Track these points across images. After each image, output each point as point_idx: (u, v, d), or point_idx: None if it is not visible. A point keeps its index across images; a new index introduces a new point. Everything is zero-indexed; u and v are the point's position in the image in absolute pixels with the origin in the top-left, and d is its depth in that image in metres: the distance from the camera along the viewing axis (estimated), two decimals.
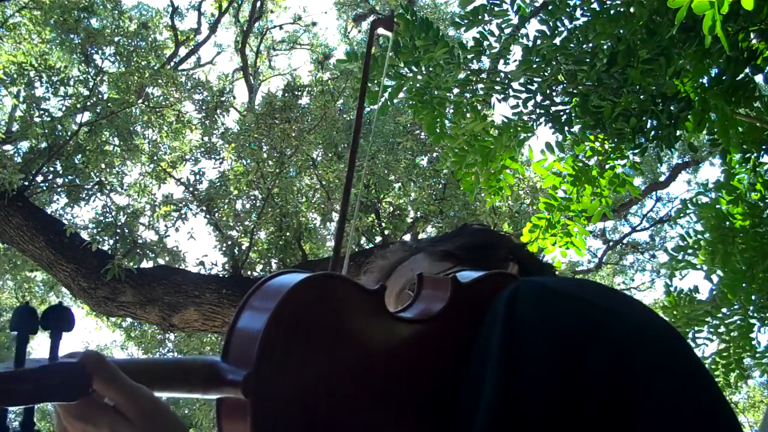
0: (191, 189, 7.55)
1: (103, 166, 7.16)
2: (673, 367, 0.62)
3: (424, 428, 0.73)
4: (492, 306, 0.70)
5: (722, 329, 3.65)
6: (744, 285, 3.42)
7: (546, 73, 3.20)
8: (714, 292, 3.77)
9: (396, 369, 0.71)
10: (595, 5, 3.16)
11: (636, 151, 3.23)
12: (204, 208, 7.27)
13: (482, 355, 0.66)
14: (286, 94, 7.53)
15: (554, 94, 3.27)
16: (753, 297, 3.53)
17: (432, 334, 0.75)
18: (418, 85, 3.27)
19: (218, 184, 7.48)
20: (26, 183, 6.56)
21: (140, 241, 6.89)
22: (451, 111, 3.44)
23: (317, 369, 0.65)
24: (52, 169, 7.12)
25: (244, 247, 7.16)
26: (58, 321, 0.59)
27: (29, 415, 0.59)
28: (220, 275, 6.92)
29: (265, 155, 7.44)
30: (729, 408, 0.63)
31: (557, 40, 3.17)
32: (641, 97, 2.95)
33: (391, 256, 1.06)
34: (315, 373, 0.65)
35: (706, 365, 3.74)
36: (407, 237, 8.63)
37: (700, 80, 3.05)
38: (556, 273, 1.08)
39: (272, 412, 0.61)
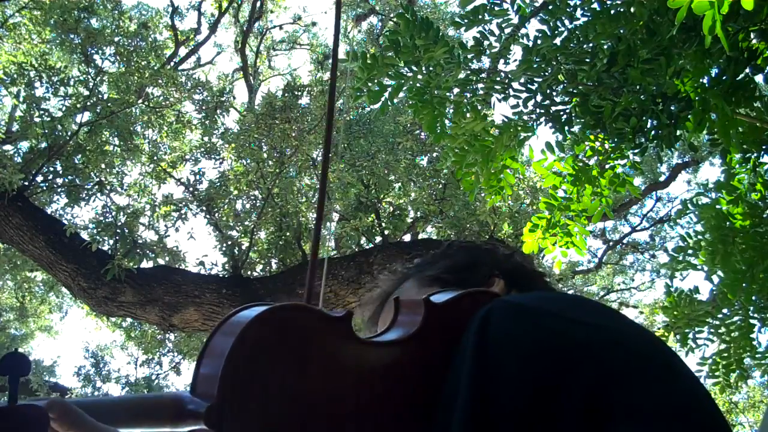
0: (191, 189, 7.54)
1: (103, 166, 7.16)
2: (656, 386, 0.60)
3: None
4: (467, 327, 0.69)
5: (723, 329, 3.65)
6: (744, 285, 3.42)
7: (546, 73, 3.19)
8: (714, 293, 3.77)
9: (368, 395, 0.70)
10: (595, 5, 3.16)
11: (636, 151, 3.23)
12: (204, 208, 7.27)
13: (455, 376, 0.65)
14: (286, 94, 7.53)
15: (554, 93, 3.26)
16: (753, 297, 3.53)
17: (406, 357, 0.73)
18: (418, 84, 3.27)
19: (218, 184, 7.48)
20: (26, 183, 6.56)
21: (140, 241, 6.89)
22: (451, 111, 3.43)
23: (282, 400, 0.65)
24: (52, 169, 7.12)
25: (244, 247, 7.16)
26: (15, 367, 0.61)
27: None
28: (220, 275, 6.92)
29: (265, 155, 7.43)
30: (718, 420, 0.61)
31: (557, 40, 3.17)
32: (641, 96, 2.95)
33: (382, 284, 1.06)
34: (280, 403, 0.65)
35: (707, 365, 3.75)
36: (407, 237, 8.63)
37: (701, 80, 3.04)
38: (548, 281, 1.04)
39: None
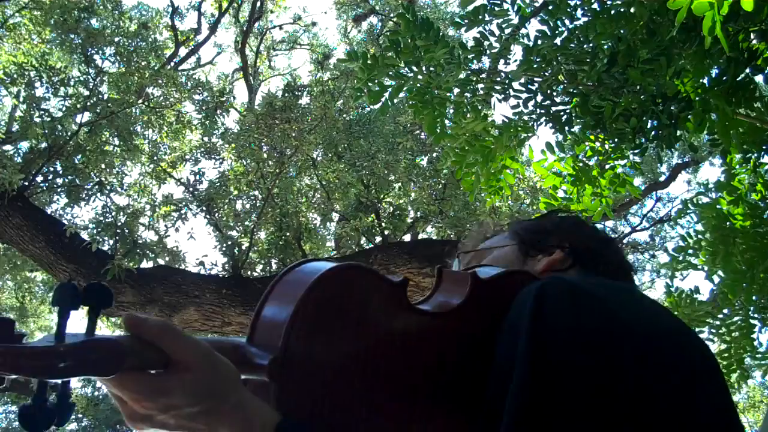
0: (191, 189, 7.54)
1: (103, 166, 7.16)
2: (688, 374, 0.65)
3: (440, 416, 0.74)
4: (517, 302, 0.72)
5: (723, 330, 3.65)
6: (745, 285, 3.42)
7: (546, 73, 3.19)
8: (715, 293, 3.77)
9: (415, 359, 0.73)
10: (595, 5, 3.16)
11: (636, 151, 3.23)
12: (204, 208, 7.26)
13: (508, 349, 0.67)
14: (286, 94, 7.53)
15: (555, 94, 3.26)
16: (754, 297, 3.52)
17: (450, 326, 0.77)
18: (418, 85, 3.27)
19: (218, 184, 7.47)
20: (26, 183, 6.55)
21: (140, 241, 6.89)
22: (452, 111, 3.43)
23: (338, 356, 0.67)
24: (52, 169, 7.12)
25: (244, 247, 7.16)
26: (98, 298, 0.61)
27: (66, 388, 0.61)
28: (220, 275, 6.91)
29: (265, 155, 7.43)
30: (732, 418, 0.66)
31: (558, 40, 3.16)
32: (642, 97, 2.95)
33: (485, 228, 1.16)
34: (336, 360, 0.67)
35: None
36: (407, 237, 8.62)
37: (701, 80, 3.04)
38: (620, 270, 1.04)
39: (294, 394, 0.64)
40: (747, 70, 2.85)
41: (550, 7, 3.14)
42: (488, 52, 3.26)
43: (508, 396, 0.62)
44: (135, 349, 0.60)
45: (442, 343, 0.76)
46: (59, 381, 0.59)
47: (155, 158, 7.72)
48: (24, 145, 7.33)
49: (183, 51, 10.77)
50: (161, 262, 6.99)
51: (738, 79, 2.85)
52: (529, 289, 0.71)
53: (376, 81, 3.22)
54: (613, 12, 3.01)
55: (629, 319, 0.68)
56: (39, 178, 7.02)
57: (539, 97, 3.23)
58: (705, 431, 0.63)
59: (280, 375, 0.63)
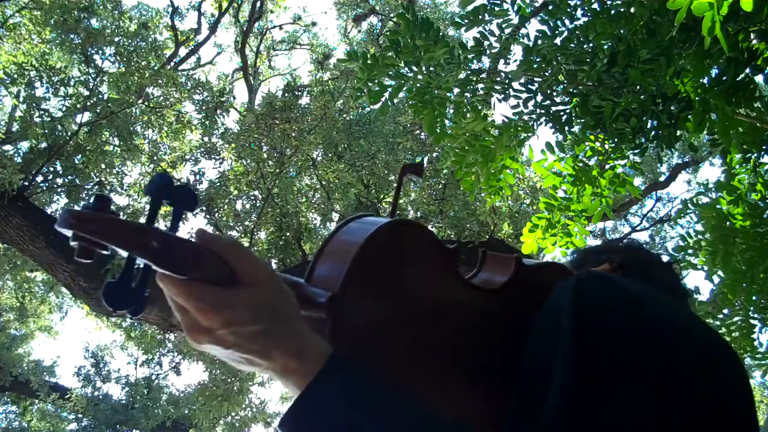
0: (191, 189, 7.53)
1: (103, 166, 7.16)
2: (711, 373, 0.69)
3: (470, 386, 0.78)
4: (557, 290, 0.75)
5: (723, 330, 3.65)
6: (744, 285, 3.42)
7: (546, 73, 3.19)
8: (715, 293, 3.77)
9: (457, 325, 0.76)
10: (595, 5, 3.15)
11: (636, 151, 3.23)
12: (204, 208, 7.26)
13: (548, 333, 0.71)
14: (286, 94, 7.53)
15: (555, 94, 3.26)
16: (754, 297, 3.52)
17: (493, 303, 0.81)
18: (418, 85, 3.27)
19: (218, 184, 7.48)
20: (26, 183, 6.55)
21: None
22: (452, 111, 3.43)
23: (390, 306, 0.71)
24: (52, 169, 7.12)
25: None
26: (185, 201, 0.64)
27: (145, 278, 0.63)
28: None
29: (265, 155, 7.43)
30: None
31: (558, 40, 3.17)
32: (642, 97, 2.95)
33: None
34: (387, 309, 0.70)
35: None
36: None
37: (701, 80, 3.04)
38: (668, 273, 1.13)
39: (348, 333, 0.67)
40: (747, 70, 2.84)
41: (550, 7, 3.14)
42: (488, 52, 3.26)
43: (555, 369, 0.66)
44: (210, 259, 0.62)
45: (486, 317, 0.79)
46: (142, 265, 0.61)
47: (155, 158, 7.72)
48: (24, 145, 7.33)
49: (183, 51, 10.78)
50: None
51: (738, 79, 2.85)
52: (565, 282, 0.75)
53: (376, 81, 3.22)
54: (613, 12, 3.01)
55: (653, 309, 0.73)
56: (39, 178, 7.02)
57: (539, 97, 3.23)
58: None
59: (336, 313, 0.66)
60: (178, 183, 0.64)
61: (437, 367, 0.74)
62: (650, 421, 0.62)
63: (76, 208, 0.60)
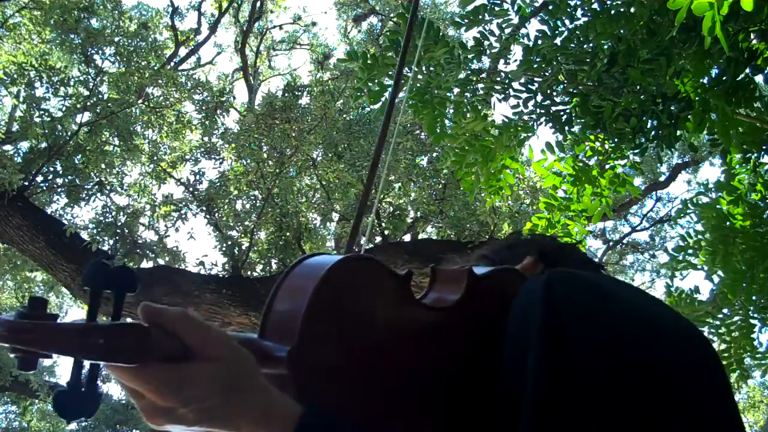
0: (191, 189, 7.54)
1: (103, 166, 7.16)
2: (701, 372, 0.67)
3: (440, 411, 0.75)
4: (522, 296, 0.73)
5: (723, 329, 3.65)
6: (744, 285, 3.42)
7: (546, 73, 3.19)
8: (714, 293, 3.77)
9: (422, 351, 0.74)
10: (595, 5, 3.16)
11: (636, 151, 3.23)
12: (204, 208, 7.26)
13: (518, 343, 0.68)
14: (286, 94, 7.53)
15: (555, 94, 3.26)
16: (753, 297, 3.52)
17: (452, 321, 0.78)
18: (418, 84, 3.27)
19: (218, 184, 7.47)
20: (26, 183, 6.55)
21: (140, 241, 6.89)
22: (452, 111, 3.43)
23: (351, 347, 0.68)
24: (52, 169, 7.12)
25: (244, 247, 7.16)
26: (125, 281, 0.61)
27: (95, 373, 0.60)
28: (220, 275, 6.91)
29: (265, 155, 7.43)
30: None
31: (558, 40, 3.17)
32: (642, 97, 2.95)
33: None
34: (348, 351, 0.68)
35: None
36: (407, 237, 8.62)
37: (701, 80, 3.04)
38: (580, 256, 1.12)
39: (313, 385, 0.64)
40: (747, 70, 2.85)
41: (550, 7, 3.14)
42: (488, 52, 3.26)
43: (526, 382, 0.63)
44: (159, 338, 0.59)
45: (447, 336, 0.77)
46: (87, 365, 0.58)
47: (155, 158, 7.72)
48: (24, 145, 7.33)
49: (183, 51, 10.78)
50: (161, 262, 6.99)
51: (738, 79, 2.85)
52: (535, 280, 0.73)
53: (376, 81, 3.22)
54: (613, 12, 3.01)
55: (627, 301, 0.71)
56: (39, 178, 7.02)
57: (539, 97, 3.24)
58: (710, 430, 0.64)
59: (297, 366, 0.63)
60: (112, 266, 0.60)
61: (410, 406, 0.72)
62: (638, 419, 0.60)
63: (8, 317, 0.56)
